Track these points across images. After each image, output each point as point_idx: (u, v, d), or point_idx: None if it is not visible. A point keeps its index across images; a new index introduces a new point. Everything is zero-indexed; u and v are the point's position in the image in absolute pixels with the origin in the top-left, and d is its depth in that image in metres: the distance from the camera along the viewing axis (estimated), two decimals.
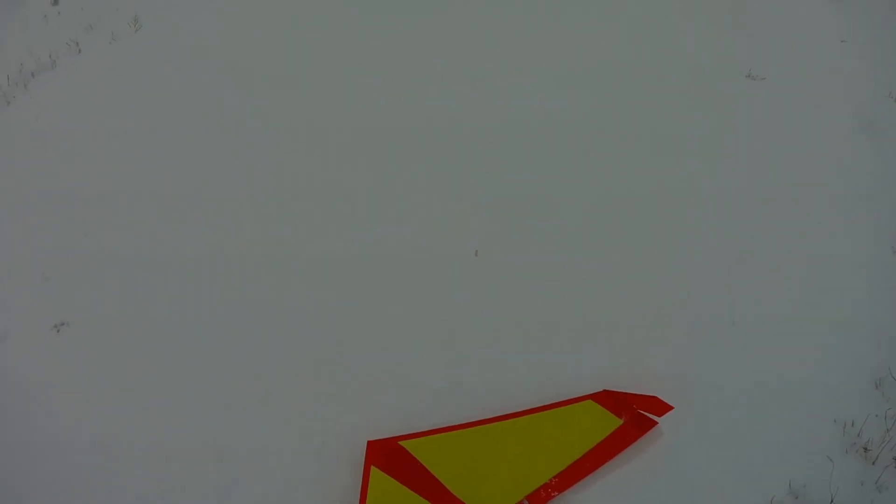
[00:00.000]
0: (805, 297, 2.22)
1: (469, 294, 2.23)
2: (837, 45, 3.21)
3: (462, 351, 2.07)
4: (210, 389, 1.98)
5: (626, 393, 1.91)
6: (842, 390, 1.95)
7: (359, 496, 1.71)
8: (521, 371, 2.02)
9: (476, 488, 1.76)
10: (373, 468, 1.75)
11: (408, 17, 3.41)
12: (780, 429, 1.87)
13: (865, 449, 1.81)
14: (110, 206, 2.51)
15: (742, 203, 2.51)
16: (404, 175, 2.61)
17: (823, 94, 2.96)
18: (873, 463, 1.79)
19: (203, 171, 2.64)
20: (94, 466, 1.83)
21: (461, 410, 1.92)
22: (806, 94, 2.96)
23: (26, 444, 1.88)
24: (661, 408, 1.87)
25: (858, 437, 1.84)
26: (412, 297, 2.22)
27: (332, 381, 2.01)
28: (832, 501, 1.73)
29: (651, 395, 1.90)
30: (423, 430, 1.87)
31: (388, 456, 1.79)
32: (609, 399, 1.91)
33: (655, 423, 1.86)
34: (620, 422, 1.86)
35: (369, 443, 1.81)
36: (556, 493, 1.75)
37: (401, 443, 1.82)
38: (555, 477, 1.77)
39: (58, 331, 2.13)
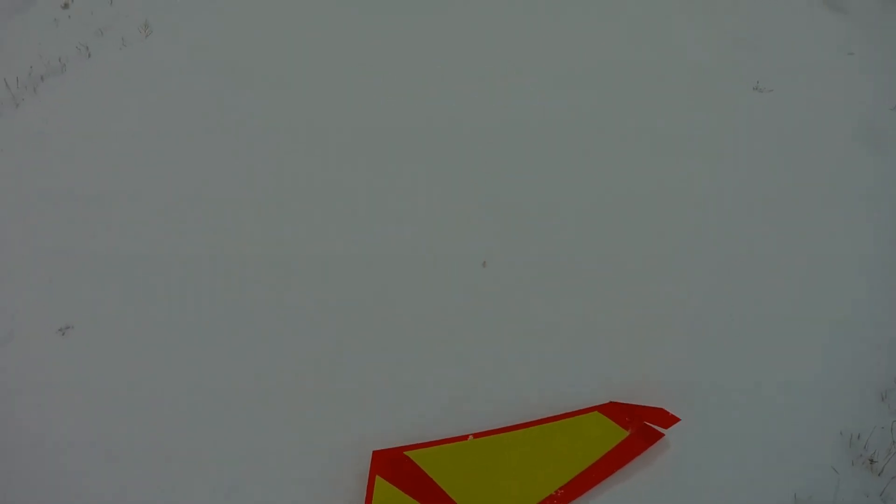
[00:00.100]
0: (808, 298, 2.21)
1: (469, 294, 2.23)
2: (843, 57, 3.20)
3: (462, 351, 2.07)
4: (210, 389, 1.98)
5: (632, 405, 1.90)
6: (848, 401, 1.94)
7: (363, 499, 1.70)
8: (522, 372, 2.02)
9: (482, 499, 1.75)
10: (378, 478, 1.74)
11: (408, 17, 3.42)
12: (786, 439, 1.86)
13: (871, 461, 1.80)
14: (110, 206, 2.51)
15: (744, 203, 2.51)
16: (404, 175, 2.61)
17: (825, 98, 2.95)
18: (879, 475, 1.78)
19: (203, 171, 2.64)
20: (94, 467, 1.83)
21: (463, 412, 1.92)
22: (808, 97, 2.96)
23: (25, 444, 1.88)
24: (668, 420, 1.86)
25: (864, 448, 1.83)
26: (412, 297, 2.22)
27: (332, 381, 2.01)
28: None
29: (657, 406, 1.89)
30: (424, 431, 1.86)
31: (393, 466, 1.78)
32: (616, 410, 1.89)
33: (662, 435, 1.85)
34: (627, 433, 1.85)
35: (375, 453, 1.80)
36: None
37: (406, 453, 1.81)
38: (561, 488, 1.75)
39: (62, 333, 2.13)
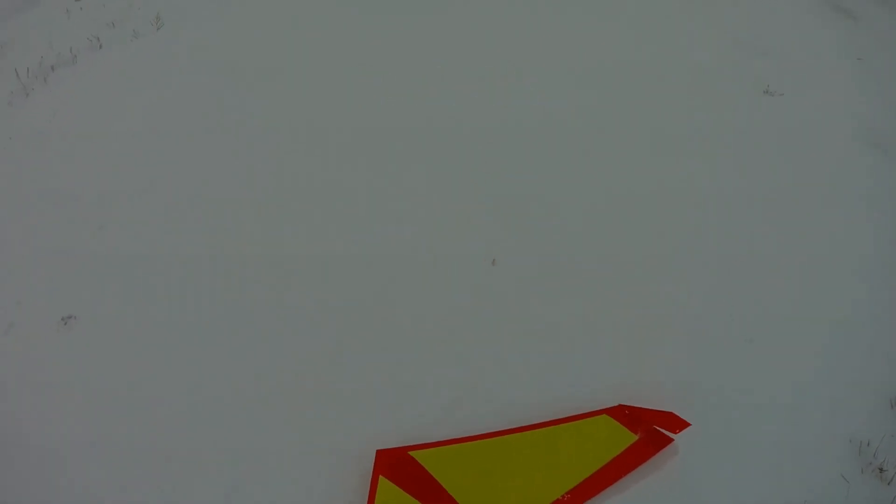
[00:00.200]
0: (808, 299, 2.21)
1: (470, 294, 2.23)
2: (852, 62, 3.19)
3: (463, 352, 2.07)
4: (210, 389, 1.98)
5: (641, 408, 1.88)
6: (857, 408, 1.93)
7: (366, 499, 1.69)
8: (522, 372, 2.02)
9: (487, 502, 1.73)
10: (381, 478, 1.72)
11: (408, 17, 3.42)
12: (794, 446, 1.85)
13: (881, 469, 1.79)
14: (110, 206, 2.51)
15: (745, 203, 2.51)
16: (404, 175, 2.61)
17: (831, 101, 2.96)
18: (888, 484, 1.77)
19: (203, 171, 2.63)
20: (94, 467, 1.82)
21: (463, 412, 1.91)
22: (813, 101, 2.96)
23: (25, 445, 1.87)
24: (677, 424, 1.84)
25: (874, 457, 1.82)
26: (412, 297, 2.22)
27: (332, 381, 2.01)
28: None
29: (666, 410, 1.87)
30: (424, 432, 1.85)
31: (397, 466, 1.76)
32: (624, 414, 1.87)
33: (671, 440, 1.82)
34: (635, 437, 1.82)
35: (378, 452, 1.78)
36: None
37: (411, 453, 1.78)
38: (567, 493, 1.73)
39: (62, 332, 2.12)
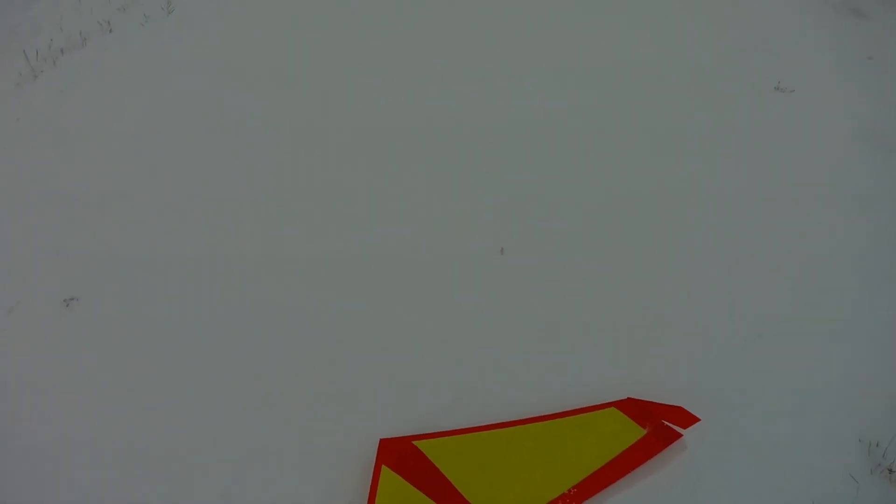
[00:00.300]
0: (808, 299, 2.21)
1: (470, 294, 2.23)
2: (862, 61, 3.18)
3: (463, 352, 2.07)
4: (210, 389, 1.98)
5: (650, 402, 1.86)
6: (866, 409, 1.92)
7: (366, 499, 1.67)
8: (523, 372, 2.02)
9: (491, 495, 1.69)
10: (383, 468, 1.70)
11: (408, 17, 3.41)
12: (803, 446, 1.84)
13: (890, 470, 1.79)
14: (110, 206, 2.50)
15: (745, 203, 2.51)
16: (404, 175, 2.61)
17: (834, 98, 2.95)
18: None
19: (203, 171, 2.63)
20: (94, 467, 1.82)
21: (463, 412, 1.91)
22: (815, 97, 2.95)
23: (24, 445, 1.87)
24: (687, 419, 1.81)
25: (883, 457, 1.81)
26: (412, 297, 2.22)
27: (332, 381, 2.00)
28: None
29: (676, 405, 1.85)
30: (424, 432, 1.84)
31: (400, 456, 1.73)
32: (633, 407, 1.85)
33: (680, 435, 1.80)
34: (644, 432, 1.80)
35: (382, 441, 1.76)
36: None
37: (415, 443, 1.76)
38: (574, 487, 1.70)
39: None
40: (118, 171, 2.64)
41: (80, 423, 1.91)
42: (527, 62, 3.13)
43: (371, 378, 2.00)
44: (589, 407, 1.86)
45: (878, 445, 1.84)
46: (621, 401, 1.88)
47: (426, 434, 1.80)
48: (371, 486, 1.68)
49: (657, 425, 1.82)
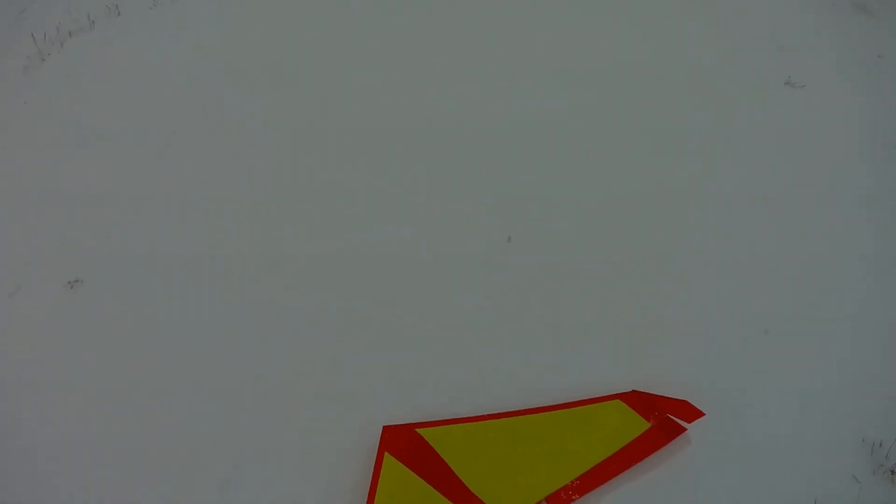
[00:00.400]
0: (809, 299, 2.21)
1: (470, 294, 2.23)
2: (873, 59, 3.15)
3: (463, 352, 2.07)
4: (210, 389, 1.98)
5: (655, 395, 1.86)
6: (870, 409, 1.92)
7: (366, 498, 1.67)
8: (523, 372, 2.02)
9: (494, 485, 1.69)
10: (386, 455, 1.69)
11: (408, 17, 3.41)
12: (806, 446, 1.84)
13: (892, 472, 1.79)
14: (110, 206, 2.50)
15: (745, 203, 2.50)
16: (404, 175, 2.61)
17: (840, 96, 2.93)
18: None
19: (203, 171, 2.63)
20: (94, 467, 1.83)
21: (463, 412, 1.90)
22: (822, 95, 2.93)
23: (24, 445, 1.88)
24: (691, 413, 1.81)
25: (886, 458, 1.81)
26: (412, 297, 2.22)
27: (332, 381, 2.01)
28: None
29: (681, 398, 1.85)
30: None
31: (403, 443, 1.73)
32: (638, 400, 1.85)
33: (684, 429, 1.80)
34: (648, 425, 1.80)
35: (385, 428, 1.76)
36: (578, 496, 1.69)
37: (418, 430, 1.76)
38: (577, 479, 1.70)
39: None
40: (118, 171, 2.64)
41: (80, 423, 1.92)
42: (527, 62, 3.12)
43: (371, 378, 2.01)
44: (594, 399, 1.86)
45: (881, 446, 1.83)
46: (626, 393, 1.87)
47: (430, 422, 1.80)
48: (373, 474, 1.68)
49: (661, 419, 1.81)
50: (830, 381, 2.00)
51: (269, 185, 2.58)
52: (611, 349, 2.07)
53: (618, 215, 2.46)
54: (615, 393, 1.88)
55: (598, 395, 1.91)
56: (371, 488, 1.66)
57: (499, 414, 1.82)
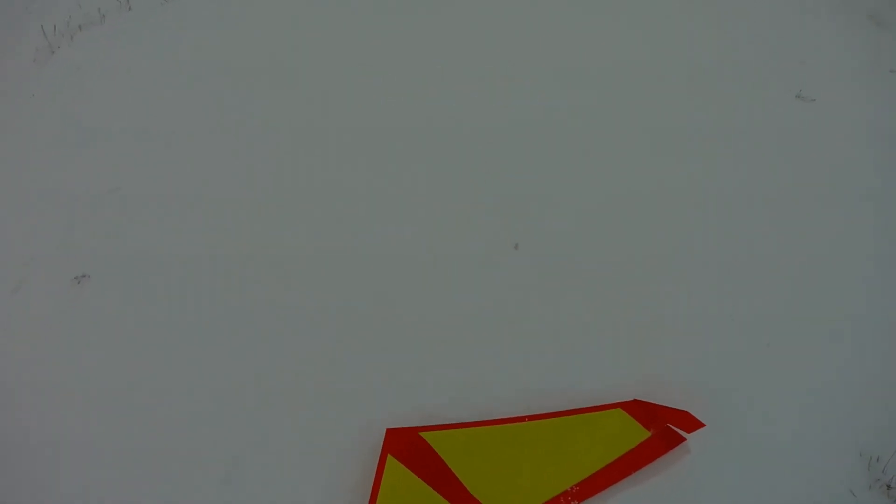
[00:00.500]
0: (809, 300, 2.21)
1: (470, 294, 2.23)
2: (884, 74, 3.13)
3: (463, 352, 2.07)
4: (210, 389, 1.98)
5: (656, 405, 1.87)
6: (868, 422, 1.91)
7: (367, 498, 1.67)
8: (523, 373, 2.02)
9: (495, 489, 1.71)
10: (389, 457, 1.71)
11: (408, 17, 3.41)
12: (803, 458, 1.84)
13: (888, 486, 1.78)
14: (111, 206, 2.50)
15: (745, 203, 2.50)
16: (404, 175, 2.61)
17: (832, 99, 2.93)
18: (895, 502, 1.76)
19: (203, 171, 2.63)
20: (94, 467, 1.82)
21: (464, 412, 1.91)
22: (830, 103, 2.93)
23: (24, 445, 1.88)
24: (692, 423, 1.83)
25: (883, 472, 1.81)
26: (412, 297, 2.22)
27: (332, 381, 2.01)
28: None
29: (681, 409, 1.86)
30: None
31: (406, 446, 1.74)
32: (639, 409, 1.86)
33: (684, 439, 1.81)
34: (648, 434, 1.81)
35: (388, 431, 1.78)
36: (577, 503, 1.71)
37: (421, 433, 1.77)
38: (577, 485, 1.72)
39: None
40: (118, 171, 2.64)
41: (80, 423, 1.92)
42: (527, 62, 3.12)
43: (371, 378, 2.01)
44: (595, 407, 1.88)
45: (878, 461, 1.83)
46: (627, 402, 1.89)
47: (433, 425, 1.81)
48: (376, 476, 1.69)
49: (662, 428, 1.83)
50: (831, 383, 1.99)
51: (269, 185, 2.58)
52: (611, 349, 2.07)
53: (618, 215, 2.46)
54: (616, 401, 1.89)
55: (597, 396, 1.92)
56: (373, 490, 1.67)
57: (501, 420, 1.84)
